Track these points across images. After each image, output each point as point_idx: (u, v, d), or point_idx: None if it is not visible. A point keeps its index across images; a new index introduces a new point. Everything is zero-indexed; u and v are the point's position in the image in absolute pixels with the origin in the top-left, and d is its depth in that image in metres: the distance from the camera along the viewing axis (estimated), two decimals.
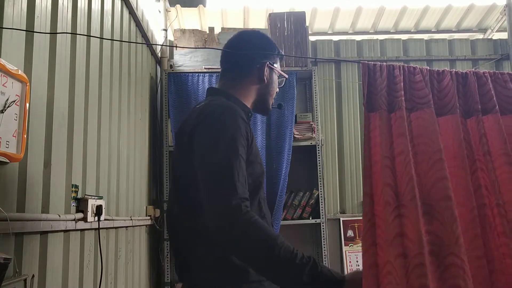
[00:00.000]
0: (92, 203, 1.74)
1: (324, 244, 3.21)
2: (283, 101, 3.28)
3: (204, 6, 3.75)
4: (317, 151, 3.30)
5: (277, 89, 1.47)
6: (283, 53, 1.51)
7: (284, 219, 3.27)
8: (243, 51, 1.39)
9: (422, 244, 0.99)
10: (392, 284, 0.97)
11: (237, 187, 1.11)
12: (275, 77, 1.44)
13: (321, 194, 3.27)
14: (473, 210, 1.07)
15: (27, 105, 1.26)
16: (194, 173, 1.19)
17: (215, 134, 1.19)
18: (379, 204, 1.03)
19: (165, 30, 3.53)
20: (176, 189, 1.33)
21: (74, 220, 1.62)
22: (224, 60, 1.45)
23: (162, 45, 3.41)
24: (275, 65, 1.44)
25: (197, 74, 3.29)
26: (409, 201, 1.02)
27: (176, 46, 3.49)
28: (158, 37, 3.47)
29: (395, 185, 1.04)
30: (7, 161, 1.19)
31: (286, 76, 1.51)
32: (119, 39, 2.37)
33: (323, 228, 3.22)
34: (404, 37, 4.09)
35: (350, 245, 3.49)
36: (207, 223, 1.12)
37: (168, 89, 3.26)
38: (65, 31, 1.62)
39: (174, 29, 3.70)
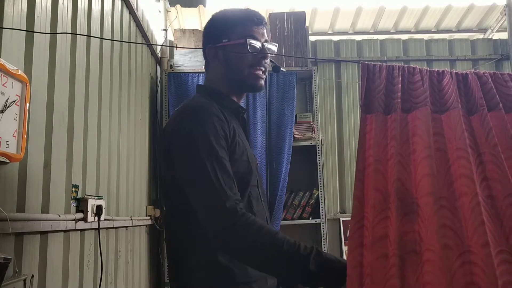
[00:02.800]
0: (92, 203, 1.74)
1: (324, 244, 3.21)
2: (283, 101, 3.29)
3: (204, 6, 3.75)
4: (317, 151, 3.30)
5: (250, 58, 1.27)
6: (256, 19, 1.31)
7: (284, 219, 3.27)
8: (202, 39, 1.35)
9: (400, 244, 0.99)
10: (373, 284, 0.97)
11: (226, 190, 1.08)
12: (232, 53, 1.28)
13: (321, 194, 3.27)
14: (476, 197, 1.06)
15: (27, 105, 1.26)
16: (174, 179, 1.18)
17: (189, 142, 1.14)
18: (368, 207, 1.03)
19: (165, 30, 3.53)
20: (163, 194, 1.32)
21: (74, 220, 1.62)
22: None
23: (162, 45, 3.41)
24: (225, 41, 1.28)
25: (197, 74, 3.30)
26: (392, 203, 1.02)
27: (176, 46, 3.49)
28: (158, 37, 3.47)
29: (384, 188, 1.04)
30: (7, 161, 1.19)
31: (250, 40, 1.27)
32: (119, 39, 2.37)
33: (323, 228, 3.22)
34: (404, 37, 4.09)
35: None
36: (205, 230, 1.10)
37: (168, 89, 3.26)
38: (65, 31, 1.62)
39: (174, 29, 3.70)
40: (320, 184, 3.27)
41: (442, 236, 1.01)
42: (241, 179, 1.20)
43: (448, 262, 0.99)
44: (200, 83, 3.27)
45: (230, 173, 1.13)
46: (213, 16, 1.37)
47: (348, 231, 3.33)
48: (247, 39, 1.27)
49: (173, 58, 3.48)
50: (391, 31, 4.13)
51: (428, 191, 1.04)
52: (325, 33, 4.12)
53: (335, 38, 3.98)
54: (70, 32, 1.67)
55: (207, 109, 1.19)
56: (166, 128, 1.27)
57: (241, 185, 1.20)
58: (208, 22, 1.37)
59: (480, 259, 1.02)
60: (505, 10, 3.81)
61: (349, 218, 3.72)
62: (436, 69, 1.18)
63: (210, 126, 1.15)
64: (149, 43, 3.07)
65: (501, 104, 1.17)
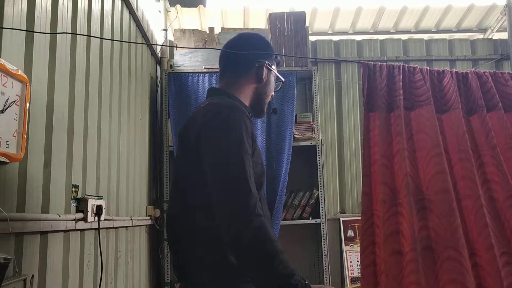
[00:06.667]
0: (92, 203, 1.74)
1: (324, 244, 3.21)
2: (283, 101, 3.29)
3: (204, 6, 3.75)
4: (317, 151, 3.30)
5: (273, 93, 1.48)
6: (279, 59, 1.52)
7: (284, 219, 3.27)
8: (243, 51, 1.40)
9: (415, 240, 0.99)
10: (389, 280, 0.97)
11: (251, 187, 1.13)
12: (272, 78, 1.46)
13: (321, 194, 3.26)
14: (478, 199, 1.06)
15: (27, 105, 1.26)
16: (201, 173, 1.19)
17: (224, 134, 1.20)
18: (377, 203, 1.04)
19: (165, 30, 3.53)
20: (178, 190, 1.32)
21: (74, 220, 1.62)
22: (223, 60, 1.46)
23: (162, 45, 3.41)
24: (273, 67, 1.45)
25: (197, 74, 3.29)
26: (403, 198, 1.02)
27: (176, 46, 3.49)
28: (158, 37, 3.46)
29: (392, 183, 1.04)
30: (7, 161, 1.19)
31: (283, 79, 1.51)
32: (119, 39, 2.37)
33: (323, 228, 3.22)
34: (404, 37, 4.09)
35: (350, 245, 3.49)
36: (218, 221, 1.13)
37: (168, 89, 3.26)
38: (65, 31, 1.62)
39: (174, 29, 3.70)
40: (320, 184, 3.27)
41: (460, 236, 1.01)
42: (257, 180, 1.25)
43: (467, 262, 1.00)
44: (200, 84, 3.29)
45: (253, 171, 1.19)
46: (265, 38, 1.48)
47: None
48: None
49: (173, 58, 3.48)
50: (391, 31, 4.13)
51: (442, 188, 1.04)
52: (325, 33, 4.12)
53: (335, 38, 3.98)
54: (70, 32, 1.67)
55: (241, 110, 1.27)
56: (193, 122, 1.28)
57: (257, 186, 1.25)
58: (261, 38, 1.47)
59: (486, 262, 1.02)
60: (505, 10, 3.81)
61: (349, 218, 3.72)
62: (436, 69, 1.18)
63: (244, 124, 1.22)
64: (149, 43, 3.07)
65: (500, 104, 1.17)
